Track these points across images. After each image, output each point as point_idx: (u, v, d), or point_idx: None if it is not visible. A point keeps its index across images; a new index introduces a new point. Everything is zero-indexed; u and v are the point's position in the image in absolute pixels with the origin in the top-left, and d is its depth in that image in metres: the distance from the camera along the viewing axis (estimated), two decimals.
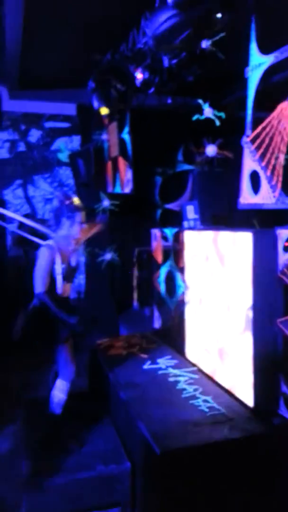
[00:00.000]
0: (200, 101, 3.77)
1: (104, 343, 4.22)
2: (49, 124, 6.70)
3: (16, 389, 4.54)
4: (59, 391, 2.97)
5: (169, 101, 4.60)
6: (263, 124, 3.21)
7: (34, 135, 6.68)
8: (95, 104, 4.62)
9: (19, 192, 6.66)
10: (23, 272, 5.88)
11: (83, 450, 2.90)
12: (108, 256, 4.96)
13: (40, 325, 2.93)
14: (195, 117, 3.72)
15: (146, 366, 3.60)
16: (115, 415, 3.27)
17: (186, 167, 4.58)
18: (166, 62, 4.11)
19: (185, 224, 4.01)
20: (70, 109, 6.54)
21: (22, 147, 6.65)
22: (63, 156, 6.62)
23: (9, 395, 4.42)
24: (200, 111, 3.72)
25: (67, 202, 3.04)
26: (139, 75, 4.33)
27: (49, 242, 2.99)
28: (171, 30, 3.33)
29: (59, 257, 2.93)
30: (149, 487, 2.54)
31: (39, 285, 2.87)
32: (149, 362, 3.68)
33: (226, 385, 3.12)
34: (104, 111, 4.68)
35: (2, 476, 3.10)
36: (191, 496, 2.41)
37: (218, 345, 3.28)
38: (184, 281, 3.91)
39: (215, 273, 3.31)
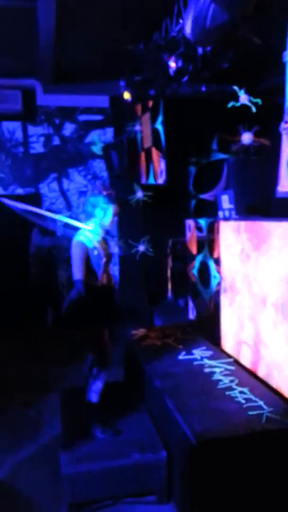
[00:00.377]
0: (236, 87, 3.69)
1: (139, 333, 4.24)
2: (82, 117, 6.75)
3: (54, 378, 4.65)
4: (97, 379, 3.01)
5: (203, 89, 4.51)
6: None
7: (68, 128, 6.74)
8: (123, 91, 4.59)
9: (54, 185, 6.76)
10: (50, 263, 6.02)
11: (119, 438, 2.94)
12: (141, 247, 4.97)
13: (78, 313, 2.98)
14: (230, 104, 3.64)
15: (181, 357, 3.59)
16: (150, 405, 3.29)
17: (221, 156, 4.49)
18: (200, 50, 4.03)
19: (220, 214, 3.95)
20: (103, 101, 6.55)
21: (56, 141, 6.74)
22: (97, 149, 6.66)
23: (47, 383, 4.54)
24: (236, 98, 3.64)
25: (104, 193, 3.08)
26: (172, 64, 4.27)
27: (84, 230, 3.04)
28: (210, 18, 3.24)
29: (96, 245, 2.98)
30: (184, 476, 2.54)
31: (77, 273, 2.92)
32: (184, 352, 3.67)
33: (263, 377, 3.07)
34: (126, 95, 4.66)
35: (40, 463, 3.19)
36: (227, 487, 2.40)
37: (255, 336, 3.22)
38: (219, 271, 3.87)
39: (251, 264, 3.25)
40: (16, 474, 3.08)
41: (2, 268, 5.89)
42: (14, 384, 4.55)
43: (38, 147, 6.69)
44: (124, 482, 2.72)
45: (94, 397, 3.02)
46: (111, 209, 3.07)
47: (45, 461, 3.18)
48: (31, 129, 6.65)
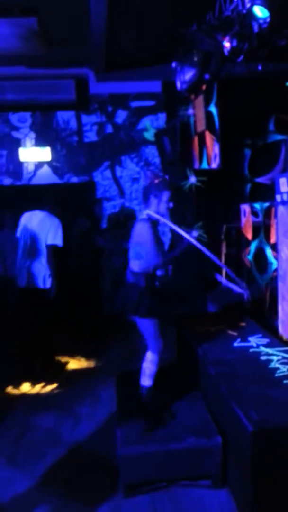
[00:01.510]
0: None
1: (192, 319, 4.23)
2: (135, 104, 6.74)
3: (111, 361, 4.77)
4: (150, 363, 3.05)
5: (260, 68, 4.33)
6: None
7: (121, 116, 6.76)
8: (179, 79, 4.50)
9: (107, 173, 6.83)
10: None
11: (174, 422, 2.96)
12: (195, 233, 4.91)
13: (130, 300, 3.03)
14: None
15: (236, 344, 3.54)
16: (204, 390, 3.28)
17: (279, 137, 4.31)
18: (255, 28, 3.87)
19: (278, 198, 3.81)
20: (155, 86, 6.50)
21: (109, 129, 6.78)
22: (149, 135, 6.64)
23: (104, 366, 4.67)
24: None
25: (156, 181, 3.10)
26: (226, 44, 4.13)
27: (144, 217, 3.08)
28: None
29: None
30: (240, 463, 2.52)
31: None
32: (239, 339, 3.61)
33: None
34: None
35: (97, 442, 3.30)
36: (283, 475, 2.35)
37: None
38: (276, 257, 3.75)
39: None
40: (73, 451, 3.20)
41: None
42: (72, 366, 4.72)
43: (91, 136, 6.78)
44: (178, 466, 2.75)
45: (147, 381, 3.06)
46: (165, 196, 3.09)
47: (101, 440, 3.28)
48: (85, 118, 6.74)
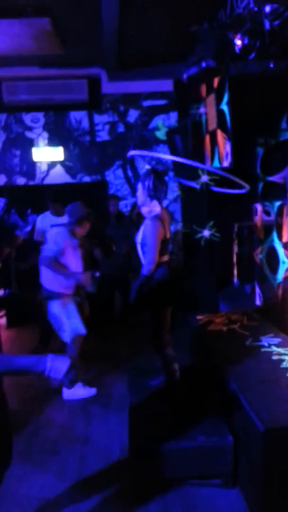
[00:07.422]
0: None
1: (204, 319, 4.23)
2: (146, 103, 6.74)
3: (123, 360, 4.80)
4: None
5: (272, 65, 4.29)
6: None
7: (133, 115, 6.77)
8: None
9: (119, 172, 6.85)
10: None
11: (185, 420, 2.97)
12: (206, 232, 4.92)
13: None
14: None
15: (248, 343, 3.53)
16: (216, 389, 3.28)
17: None
18: (267, 25, 3.84)
19: None
20: (167, 85, 6.49)
21: (121, 128, 6.80)
22: (161, 134, 6.63)
23: (116, 365, 4.69)
24: None
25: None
26: (238, 42, 4.11)
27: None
28: None
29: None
30: (251, 462, 2.52)
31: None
32: (251, 339, 3.60)
33: None
34: None
35: (108, 436, 3.32)
36: None
37: None
38: None
39: None
40: (85, 448, 3.23)
41: None
42: (84, 364, 4.75)
43: (103, 135, 6.80)
44: (189, 464, 2.76)
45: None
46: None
47: (113, 438, 3.31)
48: (97, 118, 6.77)
